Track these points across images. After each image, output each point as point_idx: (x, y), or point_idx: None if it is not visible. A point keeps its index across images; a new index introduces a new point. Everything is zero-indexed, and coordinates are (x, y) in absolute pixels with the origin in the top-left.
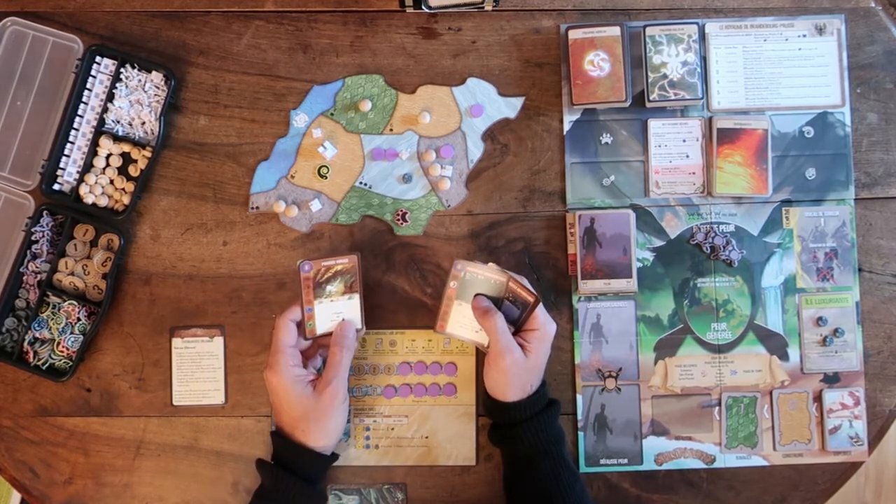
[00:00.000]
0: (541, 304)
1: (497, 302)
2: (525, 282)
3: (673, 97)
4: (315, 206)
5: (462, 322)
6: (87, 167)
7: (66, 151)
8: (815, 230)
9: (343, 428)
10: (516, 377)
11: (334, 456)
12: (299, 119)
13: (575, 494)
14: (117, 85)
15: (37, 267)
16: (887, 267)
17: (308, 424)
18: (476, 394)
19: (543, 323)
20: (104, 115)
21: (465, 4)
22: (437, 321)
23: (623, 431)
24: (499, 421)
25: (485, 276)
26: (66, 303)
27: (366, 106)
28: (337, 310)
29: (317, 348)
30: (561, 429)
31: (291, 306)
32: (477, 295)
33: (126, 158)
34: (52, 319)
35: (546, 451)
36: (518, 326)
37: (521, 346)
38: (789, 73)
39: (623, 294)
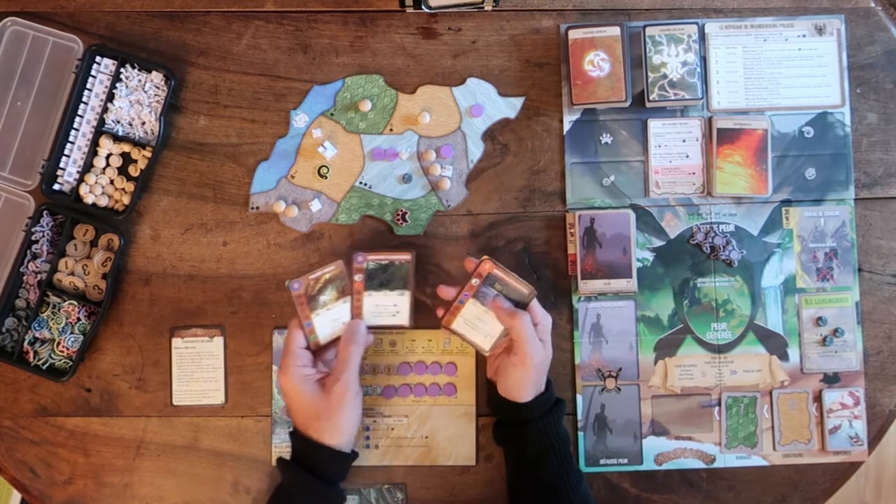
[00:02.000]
0: (535, 299)
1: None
2: (516, 276)
3: (673, 97)
4: (315, 206)
5: (469, 322)
6: (87, 167)
7: (66, 151)
8: (815, 230)
9: (357, 423)
10: (537, 375)
11: (353, 454)
12: (299, 119)
13: (580, 493)
14: (117, 85)
15: (37, 267)
16: (887, 267)
17: (320, 422)
18: (476, 394)
19: (543, 316)
20: (104, 115)
21: (465, 4)
22: (445, 316)
23: (623, 431)
24: (508, 420)
25: (509, 283)
26: (66, 303)
27: (366, 106)
28: (335, 316)
29: (331, 349)
30: (566, 428)
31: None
32: (498, 294)
33: (126, 158)
34: (52, 319)
35: (555, 450)
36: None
37: None
38: (789, 73)
39: (623, 294)
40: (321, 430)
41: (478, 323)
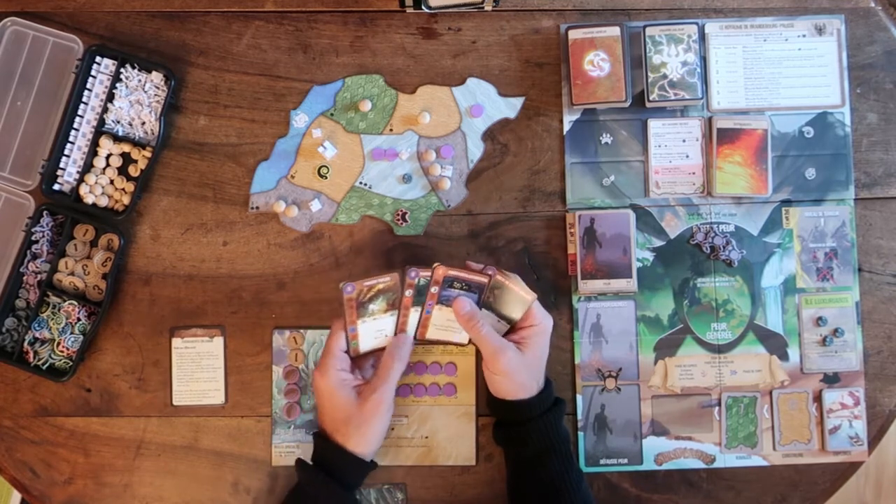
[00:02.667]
0: (536, 301)
1: (477, 302)
2: (518, 278)
3: (673, 97)
4: (315, 206)
5: (440, 327)
6: (87, 167)
7: (66, 151)
8: (815, 230)
9: (384, 436)
10: (517, 374)
11: (373, 464)
12: (299, 119)
13: (581, 493)
14: (117, 85)
15: (37, 267)
16: (887, 267)
17: (349, 429)
18: (476, 394)
19: (541, 318)
20: (104, 115)
21: (465, 4)
22: (418, 329)
23: (623, 431)
24: (506, 419)
25: (510, 288)
26: (66, 303)
27: (366, 106)
28: (380, 327)
29: (369, 358)
30: (566, 427)
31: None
32: (458, 297)
33: (126, 158)
34: (52, 319)
35: (555, 449)
36: (512, 325)
37: (516, 343)
38: (789, 73)
39: (623, 294)
40: (348, 436)
41: (448, 324)
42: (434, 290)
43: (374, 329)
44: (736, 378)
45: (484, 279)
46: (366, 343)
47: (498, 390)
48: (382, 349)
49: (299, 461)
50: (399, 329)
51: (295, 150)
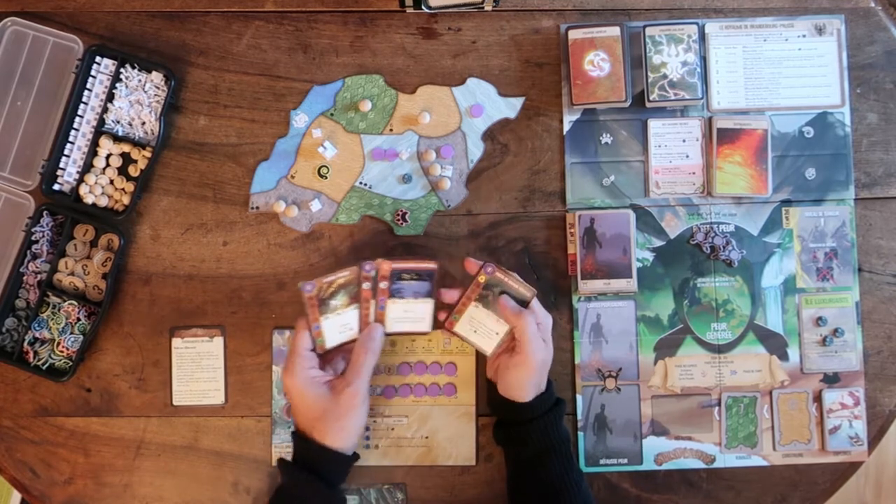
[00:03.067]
0: (535, 298)
1: (432, 286)
2: (517, 277)
3: (673, 97)
4: (315, 206)
5: (472, 324)
6: (87, 167)
7: (66, 151)
8: (815, 230)
9: (362, 428)
10: (539, 375)
11: (355, 456)
12: (299, 119)
13: (581, 492)
14: (117, 85)
15: (37, 267)
16: (887, 267)
17: (326, 425)
18: (476, 394)
19: (544, 316)
20: (104, 115)
21: (465, 4)
22: (448, 318)
23: (623, 431)
24: (509, 420)
25: (509, 285)
26: (66, 303)
27: (366, 106)
28: (344, 322)
29: (339, 352)
30: (566, 428)
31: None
32: (503, 294)
33: (126, 158)
34: (52, 319)
35: (555, 449)
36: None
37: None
38: (789, 73)
39: (623, 294)
40: (325, 431)
41: (480, 326)
42: (383, 285)
43: (338, 324)
44: (736, 378)
45: (433, 265)
46: (332, 339)
47: (512, 387)
48: (350, 343)
49: (282, 461)
50: (363, 322)
51: (295, 150)
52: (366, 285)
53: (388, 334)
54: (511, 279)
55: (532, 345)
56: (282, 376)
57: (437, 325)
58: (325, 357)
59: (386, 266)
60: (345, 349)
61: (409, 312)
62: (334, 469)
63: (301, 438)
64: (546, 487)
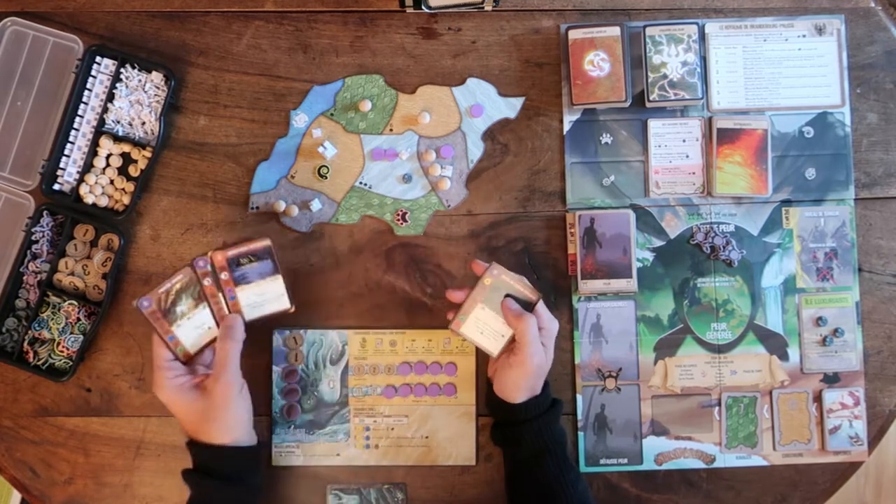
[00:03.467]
0: (542, 303)
1: (274, 264)
2: (525, 281)
3: (673, 97)
4: (315, 206)
5: (478, 326)
6: (87, 167)
7: (66, 151)
8: (815, 230)
9: (249, 415)
10: (533, 379)
11: (256, 447)
12: (299, 119)
13: (578, 493)
14: (117, 85)
15: (37, 267)
16: (887, 267)
17: (208, 424)
18: (476, 394)
19: (549, 321)
20: (104, 115)
21: (465, 4)
22: (454, 319)
23: (623, 431)
24: (504, 420)
25: (514, 287)
26: (66, 303)
27: (366, 106)
28: (198, 323)
29: (206, 350)
30: (563, 428)
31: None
32: (507, 296)
33: (126, 158)
34: (52, 319)
35: (550, 450)
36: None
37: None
38: (789, 73)
39: (623, 294)
40: (210, 431)
41: (486, 327)
42: (224, 276)
43: (193, 327)
44: (736, 378)
45: (265, 242)
46: (191, 343)
47: (507, 388)
48: (213, 341)
49: (184, 472)
50: (218, 316)
51: (295, 150)
52: (206, 281)
53: (251, 322)
54: (516, 282)
55: (530, 348)
56: (153, 391)
57: (293, 301)
58: (192, 361)
59: (220, 256)
60: (213, 346)
61: (262, 295)
62: (236, 465)
63: (194, 445)
64: (542, 488)
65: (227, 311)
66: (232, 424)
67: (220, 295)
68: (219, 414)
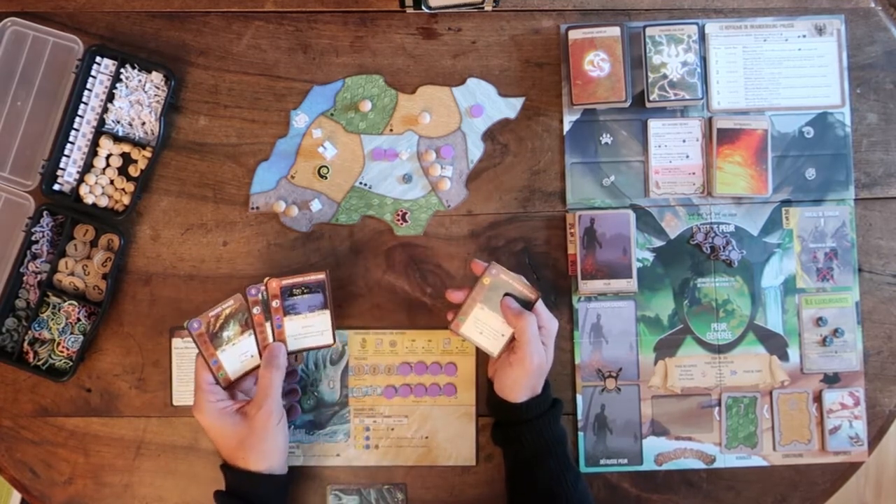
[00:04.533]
0: (541, 302)
1: (325, 297)
2: (524, 280)
3: (673, 97)
4: (315, 206)
5: (478, 326)
6: (87, 167)
7: (66, 151)
8: (815, 230)
9: (285, 446)
10: (534, 378)
11: (287, 475)
12: (299, 119)
13: (578, 493)
14: (117, 85)
15: (37, 267)
16: (887, 267)
17: (246, 451)
18: (476, 394)
19: (548, 320)
20: (104, 116)
21: (465, 4)
22: (454, 319)
23: (623, 431)
24: (505, 420)
25: (513, 287)
26: (66, 303)
27: (366, 106)
28: (242, 350)
29: (249, 377)
30: (563, 428)
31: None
32: (506, 295)
33: (126, 158)
34: (52, 319)
35: (551, 450)
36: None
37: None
38: (789, 73)
39: (623, 294)
40: (248, 458)
41: (485, 327)
42: (276, 304)
43: (237, 354)
44: (736, 378)
45: (321, 276)
46: (233, 369)
47: (507, 388)
48: (254, 370)
49: (217, 494)
50: (262, 346)
51: (295, 150)
52: (255, 310)
53: (291, 352)
54: (516, 281)
55: (530, 347)
56: (193, 413)
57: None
58: (232, 387)
59: (275, 284)
60: (254, 374)
61: (308, 327)
62: (267, 492)
63: (229, 469)
64: (543, 488)
65: (271, 340)
66: (269, 453)
67: (267, 324)
68: (256, 441)
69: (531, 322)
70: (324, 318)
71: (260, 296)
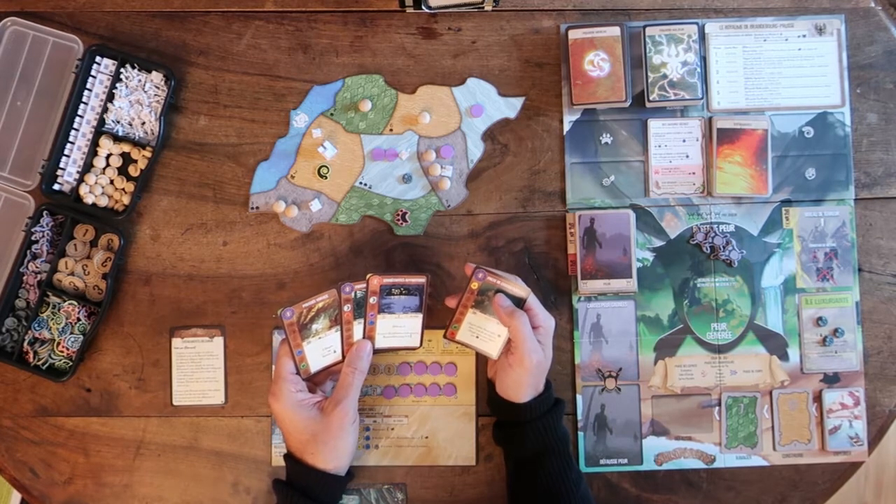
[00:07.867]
0: (537, 301)
1: (421, 299)
2: (519, 280)
3: (673, 97)
4: (315, 206)
5: (473, 330)
6: (87, 167)
7: (66, 151)
8: (815, 230)
9: (354, 448)
10: (535, 377)
11: (349, 476)
12: (299, 119)
13: (580, 493)
14: (117, 85)
15: (37, 267)
16: (887, 267)
17: (317, 447)
18: (476, 394)
19: (544, 318)
20: (104, 115)
21: (465, 4)
22: (448, 328)
23: (623, 431)
24: (507, 420)
25: (502, 287)
26: (66, 303)
27: (366, 106)
28: (326, 345)
29: (327, 374)
30: (565, 428)
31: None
32: (498, 293)
33: (126, 158)
34: (52, 319)
35: (553, 450)
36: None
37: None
38: (789, 73)
39: (623, 294)
40: (317, 454)
41: (481, 331)
42: (373, 300)
43: (321, 348)
44: (736, 378)
45: (421, 279)
46: (315, 363)
47: (509, 388)
48: (334, 366)
49: (276, 483)
50: (346, 344)
51: (295, 150)
52: (346, 307)
53: (377, 351)
54: (504, 281)
55: (526, 345)
56: (268, 400)
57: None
58: (312, 380)
59: (376, 281)
60: (331, 371)
61: (399, 328)
62: (328, 491)
63: (293, 461)
64: (544, 488)
65: (362, 335)
66: (339, 452)
67: (355, 323)
68: (329, 438)
69: (523, 321)
70: (415, 322)
71: (353, 294)
